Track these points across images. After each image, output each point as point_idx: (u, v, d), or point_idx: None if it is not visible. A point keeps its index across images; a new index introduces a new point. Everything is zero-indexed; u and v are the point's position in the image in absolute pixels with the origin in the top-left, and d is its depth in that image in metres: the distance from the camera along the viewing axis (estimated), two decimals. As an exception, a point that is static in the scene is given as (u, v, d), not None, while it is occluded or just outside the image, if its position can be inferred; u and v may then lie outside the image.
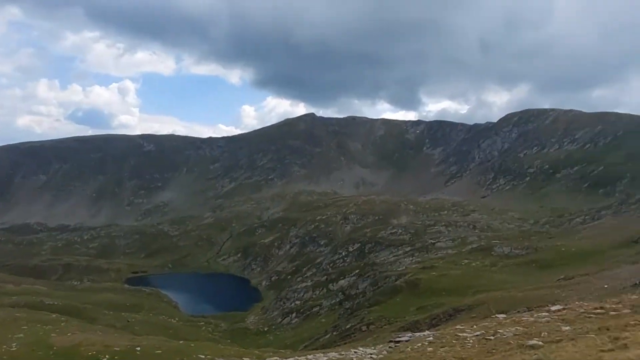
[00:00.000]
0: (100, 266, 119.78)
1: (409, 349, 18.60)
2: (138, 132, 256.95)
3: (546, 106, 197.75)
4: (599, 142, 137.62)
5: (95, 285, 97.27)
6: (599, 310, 17.23)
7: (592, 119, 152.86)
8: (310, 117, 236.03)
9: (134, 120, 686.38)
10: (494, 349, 14.17)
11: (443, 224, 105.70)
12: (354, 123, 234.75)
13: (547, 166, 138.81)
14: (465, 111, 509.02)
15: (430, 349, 17.23)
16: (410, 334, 25.04)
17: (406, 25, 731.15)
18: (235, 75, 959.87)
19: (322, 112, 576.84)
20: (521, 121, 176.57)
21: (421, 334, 23.88)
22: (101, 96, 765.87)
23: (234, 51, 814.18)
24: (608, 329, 12.80)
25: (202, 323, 79.25)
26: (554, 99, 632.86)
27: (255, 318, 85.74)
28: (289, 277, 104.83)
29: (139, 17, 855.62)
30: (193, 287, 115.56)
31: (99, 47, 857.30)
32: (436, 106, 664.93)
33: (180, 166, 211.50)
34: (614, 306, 17.47)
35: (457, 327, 23.55)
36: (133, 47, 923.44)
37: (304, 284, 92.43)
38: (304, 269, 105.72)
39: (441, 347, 16.98)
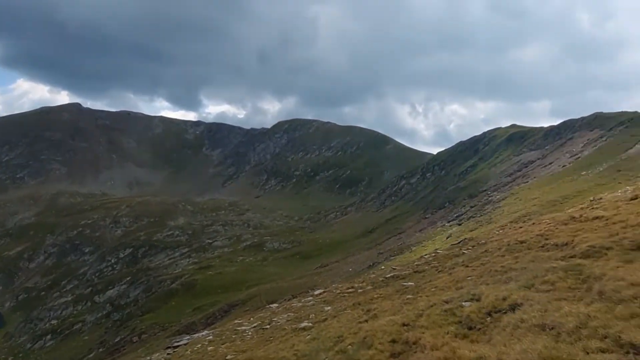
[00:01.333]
0: None
1: (188, 352, 18.75)
2: None
3: (309, 117, 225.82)
4: (347, 150, 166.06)
5: None
6: (350, 290, 21.08)
7: (344, 130, 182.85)
8: (75, 107, 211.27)
9: None
10: (271, 337, 15.75)
11: (220, 223, 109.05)
12: (129, 118, 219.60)
13: (309, 169, 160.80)
14: (242, 116, 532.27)
15: (211, 347, 17.79)
16: (188, 337, 25.12)
17: (191, 25, 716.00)
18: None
19: (90, 104, 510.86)
20: (290, 129, 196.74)
21: (200, 334, 24.23)
22: None
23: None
24: (360, 304, 15.96)
25: None
26: (315, 111, 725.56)
27: (-7, 348, 71.03)
28: (43, 293, 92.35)
29: None
30: None
31: None
32: (216, 109, 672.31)
33: None
34: (360, 285, 21.63)
35: (235, 321, 24.84)
36: None
37: (62, 300, 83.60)
38: (63, 282, 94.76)
39: (222, 344, 17.74)
